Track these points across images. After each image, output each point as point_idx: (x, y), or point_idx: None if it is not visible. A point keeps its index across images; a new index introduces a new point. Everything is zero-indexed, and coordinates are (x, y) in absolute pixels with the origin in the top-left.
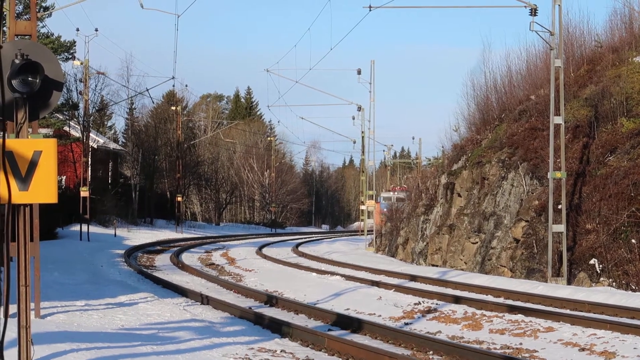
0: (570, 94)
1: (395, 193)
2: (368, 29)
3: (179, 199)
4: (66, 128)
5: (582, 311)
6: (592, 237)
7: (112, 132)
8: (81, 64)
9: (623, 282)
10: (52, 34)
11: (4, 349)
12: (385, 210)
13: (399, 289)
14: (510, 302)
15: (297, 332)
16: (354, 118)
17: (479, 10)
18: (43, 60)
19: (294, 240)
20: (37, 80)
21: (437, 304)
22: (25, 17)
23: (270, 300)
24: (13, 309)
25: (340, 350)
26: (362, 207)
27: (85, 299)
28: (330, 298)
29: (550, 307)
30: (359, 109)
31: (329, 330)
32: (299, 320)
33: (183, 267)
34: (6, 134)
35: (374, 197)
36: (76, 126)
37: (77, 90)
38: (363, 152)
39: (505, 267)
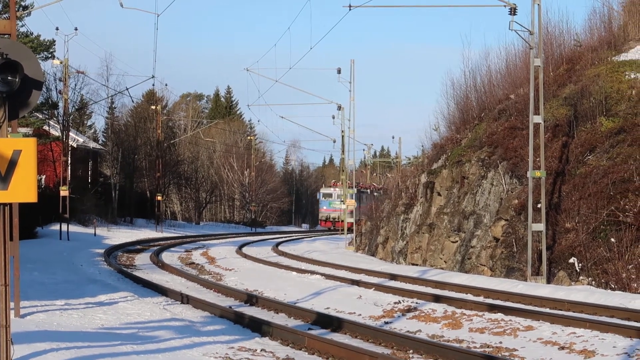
0: (550, 93)
1: (337, 189)
2: (348, 28)
3: (159, 198)
4: (46, 127)
5: (561, 310)
6: (572, 236)
7: (92, 131)
8: (61, 63)
9: (602, 280)
10: (32, 33)
11: None
12: (324, 208)
13: (379, 288)
14: (490, 301)
15: (277, 331)
16: (334, 117)
17: (459, 9)
18: (22, 59)
19: (274, 239)
20: (17, 80)
21: (417, 302)
22: (5, 15)
23: (251, 299)
24: None
25: (320, 350)
26: (342, 207)
27: (65, 299)
28: (311, 297)
29: (529, 306)
30: (339, 108)
31: (309, 329)
32: (279, 319)
33: (163, 266)
34: None
35: (352, 196)
36: (56, 125)
37: (56, 89)
38: (343, 151)
39: (484, 266)
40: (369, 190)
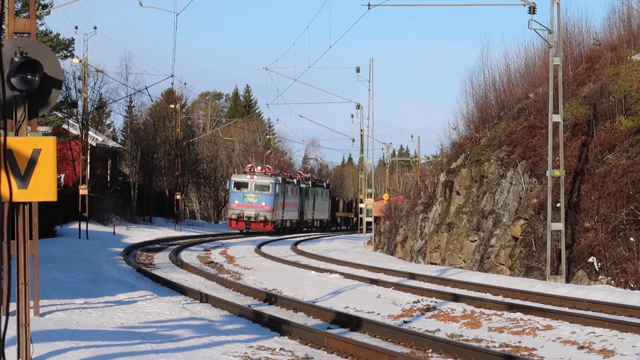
0: (569, 92)
1: (255, 177)
2: (367, 27)
3: (178, 197)
4: (65, 126)
5: (580, 309)
6: (591, 235)
7: (111, 130)
8: (80, 62)
9: (621, 280)
10: (51, 32)
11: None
12: (236, 202)
13: (397, 287)
14: (509, 300)
15: (296, 330)
16: (352, 116)
17: (478, 8)
18: (42, 58)
19: (293, 238)
20: (37, 79)
21: (436, 302)
22: (24, 14)
23: (270, 298)
24: (12, 307)
25: (339, 349)
26: (361, 206)
27: (85, 297)
28: (330, 296)
29: (549, 305)
30: (358, 107)
31: (328, 328)
32: (298, 318)
33: (182, 265)
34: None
35: (372, 195)
36: (75, 124)
37: (76, 88)
38: (362, 150)
39: (504, 265)
40: (295, 181)
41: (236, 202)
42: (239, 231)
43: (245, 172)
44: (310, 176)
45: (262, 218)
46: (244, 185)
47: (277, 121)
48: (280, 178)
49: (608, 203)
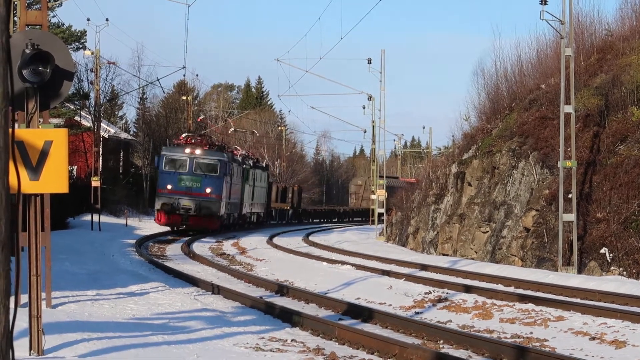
0: (581, 83)
1: (197, 152)
2: (378, 18)
3: None
4: (77, 118)
5: (592, 300)
6: (603, 226)
7: (123, 122)
8: (92, 53)
9: (634, 271)
10: (63, 24)
11: (15, 338)
12: (168, 187)
13: (409, 278)
14: (520, 291)
15: (308, 322)
16: (364, 107)
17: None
18: (54, 50)
19: (305, 229)
20: (48, 70)
21: (447, 293)
22: (36, 6)
23: (281, 289)
24: (25, 298)
25: (350, 340)
26: (373, 197)
27: (97, 289)
28: (341, 287)
29: (560, 296)
30: (370, 98)
31: (340, 319)
32: (310, 309)
33: (194, 256)
34: (17, 124)
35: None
36: (87, 116)
37: (88, 80)
38: (373, 141)
39: (515, 256)
40: (239, 159)
41: (168, 186)
42: (169, 229)
43: (180, 144)
44: (247, 153)
45: (205, 210)
46: (180, 163)
47: (289, 112)
48: (229, 154)
49: (620, 194)
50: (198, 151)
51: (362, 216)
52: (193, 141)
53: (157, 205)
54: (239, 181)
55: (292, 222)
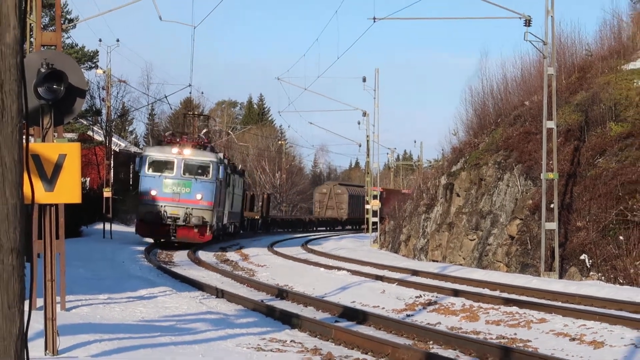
0: (562, 100)
1: (187, 152)
2: (372, 39)
3: None
4: (90, 133)
5: (572, 303)
6: (583, 234)
7: (133, 136)
8: (103, 72)
9: (611, 276)
10: (76, 45)
11: (31, 339)
12: (153, 194)
13: (401, 283)
14: (505, 295)
15: (306, 324)
16: (359, 123)
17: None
18: (67, 69)
19: (303, 237)
20: (62, 88)
21: (437, 297)
22: (51, 28)
23: (281, 293)
24: (40, 302)
25: (346, 341)
26: (367, 207)
27: (108, 293)
28: (337, 291)
29: (543, 300)
30: (364, 114)
31: (336, 321)
32: (308, 312)
33: (199, 262)
34: (33, 139)
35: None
36: (99, 131)
37: (99, 97)
38: (368, 154)
39: (501, 262)
40: (218, 157)
41: (153, 192)
42: (153, 241)
43: (167, 143)
44: (223, 156)
45: (196, 220)
46: (167, 165)
47: (289, 128)
48: (221, 155)
49: (599, 204)
50: (187, 151)
51: (327, 225)
52: (183, 141)
53: (141, 215)
54: (224, 187)
55: (259, 233)
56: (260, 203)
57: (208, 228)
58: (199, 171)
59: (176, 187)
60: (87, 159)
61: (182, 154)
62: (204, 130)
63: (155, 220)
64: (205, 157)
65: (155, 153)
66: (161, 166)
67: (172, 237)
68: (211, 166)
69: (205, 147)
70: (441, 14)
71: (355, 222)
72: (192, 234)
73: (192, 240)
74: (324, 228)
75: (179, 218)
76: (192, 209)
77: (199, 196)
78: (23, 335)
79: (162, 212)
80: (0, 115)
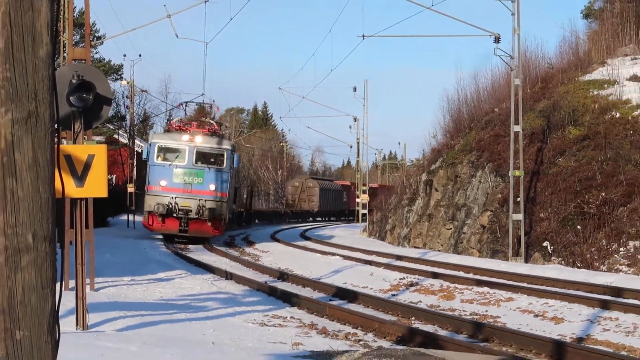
0: (527, 107)
1: (198, 138)
2: (362, 53)
3: None
4: (115, 136)
5: (536, 284)
6: (545, 224)
7: None
8: (127, 83)
9: (570, 260)
10: (104, 59)
11: (64, 317)
12: (162, 184)
13: (387, 266)
14: (477, 277)
15: (304, 302)
16: (350, 127)
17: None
18: (95, 80)
19: (302, 227)
20: (91, 97)
21: (418, 278)
22: (81, 45)
23: (282, 276)
24: (72, 284)
25: (339, 317)
26: (357, 200)
27: (131, 275)
28: (331, 274)
29: (510, 281)
30: (355, 119)
31: (330, 300)
32: (306, 292)
33: (211, 249)
34: (65, 141)
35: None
36: (124, 134)
37: (124, 104)
38: (358, 154)
39: (474, 248)
40: (231, 145)
41: (162, 183)
42: (171, 234)
43: (176, 130)
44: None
45: (209, 213)
46: (177, 153)
47: (289, 131)
48: (234, 143)
49: (559, 198)
50: (199, 138)
51: (299, 217)
52: (191, 127)
53: (149, 207)
54: (235, 177)
55: (243, 225)
56: (245, 195)
57: (222, 221)
58: (212, 160)
59: (187, 177)
60: (113, 159)
61: (194, 141)
62: (215, 117)
63: (166, 213)
64: (219, 144)
65: (164, 140)
66: (172, 154)
67: (184, 232)
68: (225, 154)
69: (218, 134)
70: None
71: (325, 214)
72: (205, 227)
73: (205, 234)
74: (296, 220)
75: (191, 210)
76: (205, 200)
77: (212, 187)
78: (55, 313)
79: (172, 205)
80: (34, 120)
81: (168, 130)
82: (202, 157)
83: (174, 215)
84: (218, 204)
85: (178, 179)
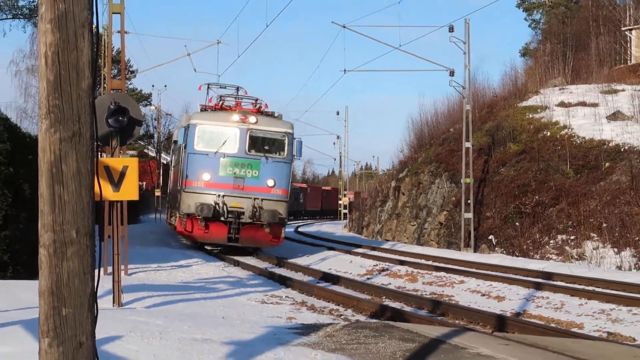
0: (476, 127)
1: (252, 120)
2: (344, 84)
3: None
4: (145, 150)
5: (483, 270)
6: (490, 221)
7: None
8: (155, 108)
9: (510, 250)
10: (136, 89)
11: (103, 296)
12: (205, 179)
13: (363, 255)
14: (436, 264)
15: (296, 284)
16: (334, 143)
17: (417, 72)
18: (129, 106)
19: (295, 224)
20: (125, 119)
21: (388, 265)
22: (118, 77)
23: (279, 263)
24: (110, 270)
25: (324, 296)
26: (340, 202)
27: (157, 263)
28: (319, 261)
29: (462, 267)
30: (338, 137)
31: (318, 282)
32: (298, 276)
33: None
34: (105, 155)
35: (346, 195)
36: (152, 149)
37: (152, 125)
38: (340, 166)
39: (433, 241)
40: (292, 128)
41: (204, 177)
42: (208, 247)
43: (221, 109)
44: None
45: (267, 215)
46: (226, 138)
47: None
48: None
49: (501, 200)
50: (252, 118)
51: (292, 215)
52: (238, 105)
53: (186, 207)
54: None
55: None
56: None
57: (283, 227)
58: (268, 147)
59: (239, 169)
60: (143, 169)
61: (247, 121)
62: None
63: (213, 217)
64: (278, 127)
65: (208, 121)
66: (218, 140)
67: (234, 241)
68: (286, 140)
69: (273, 114)
70: (393, 67)
71: (293, 214)
72: (261, 235)
73: (261, 244)
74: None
75: (243, 213)
76: (262, 199)
77: (270, 182)
78: (94, 293)
79: (221, 206)
80: (78, 139)
81: (205, 109)
82: (258, 143)
83: (222, 219)
84: (278, 205)
85: (226, 171)
